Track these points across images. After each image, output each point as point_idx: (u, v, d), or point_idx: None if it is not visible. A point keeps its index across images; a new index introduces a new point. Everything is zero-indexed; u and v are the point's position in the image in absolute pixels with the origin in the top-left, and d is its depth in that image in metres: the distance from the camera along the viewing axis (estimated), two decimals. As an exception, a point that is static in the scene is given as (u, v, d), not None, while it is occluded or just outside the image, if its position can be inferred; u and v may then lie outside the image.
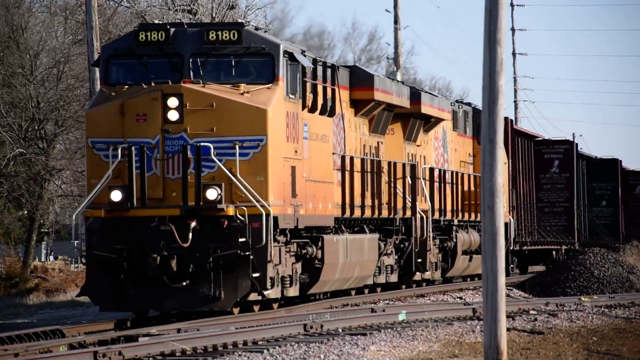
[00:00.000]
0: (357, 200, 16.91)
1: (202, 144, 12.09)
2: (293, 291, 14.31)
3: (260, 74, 13.08)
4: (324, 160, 15.36)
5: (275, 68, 12.94)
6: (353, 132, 17.53)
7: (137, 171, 12.02)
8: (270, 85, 12.92)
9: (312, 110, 14.52)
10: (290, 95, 13.57)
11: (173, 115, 12.17)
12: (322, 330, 10.99)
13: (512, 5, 59.32)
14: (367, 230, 17.68)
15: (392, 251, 18.82)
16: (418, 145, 20.85)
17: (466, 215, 22.87)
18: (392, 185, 18.48)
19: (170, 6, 26.74)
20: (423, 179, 20.34)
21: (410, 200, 19.18)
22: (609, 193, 33.07)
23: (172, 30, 12.86)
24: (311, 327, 10.81)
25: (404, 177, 19.00)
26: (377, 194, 17.82)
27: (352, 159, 16.77)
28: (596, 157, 36.33)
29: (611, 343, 11.17)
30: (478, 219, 22.68)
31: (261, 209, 11.94)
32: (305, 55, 14.39)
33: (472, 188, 23.05)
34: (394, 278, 19.15)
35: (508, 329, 8.57)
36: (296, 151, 13.98)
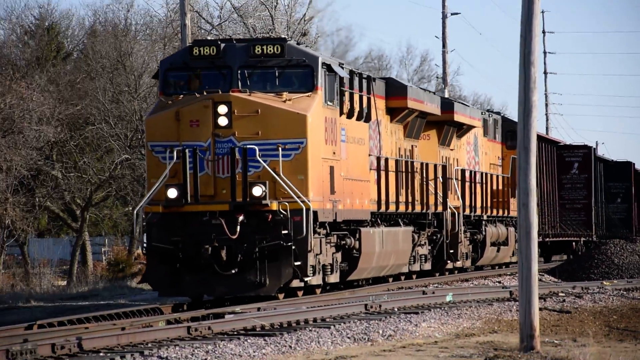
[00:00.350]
0: (392, 197, 17.90)
1: (248, 146, 12.97)
2: (334, 278, 15.27)
3: (301, 84, 13.99)
4: (360, 161, 16.36)
5: (315, 78, 13.85)
6: (389, 137, 18.71)
7: (190, 171, 12.92)
8: (310, 93, 13.81)
9: (350, 116, 15.45)
10: (328, 103, 14.52)
11: (222, 121, 13.10)
12: (380, 309, 11.94)
13: (543, 32, 64.11)
14: (401, 224, 18.70)
15: (425, 242, 20.09)
16: (452, 149, 22.33)
17: (494, 211, 24.44)
18: (425, 183, 19.70)
19: (252, 34, 29.10)
20: (455, 179, 21.88)
21: (442, 196, 20.49)
22: (623, 191, 36.52)
23: (223, 45, 13.83)
24: (371, 307, 11.86)
25: (435, 177, 20.29)
26: (411, 192, 18.99)
27: (387, 160, 17.72)
28: (612, 160, 39.77)
29: (629, 321, 12.19)
30: (506, 214, 25.04)
31: (301, 204, 12.78)
32: (342, 67, 15.31)
33: (500, 187, 24.93)
34: (427, 266, 20.51)
35: (540, 309, 9.23)
36: (334, 152, 14.89)
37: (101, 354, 7.18)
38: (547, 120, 69.60)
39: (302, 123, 13.32)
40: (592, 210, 32.56)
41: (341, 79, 14.85)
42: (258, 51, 13.71)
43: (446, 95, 30.19)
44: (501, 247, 24.84)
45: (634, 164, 38.13)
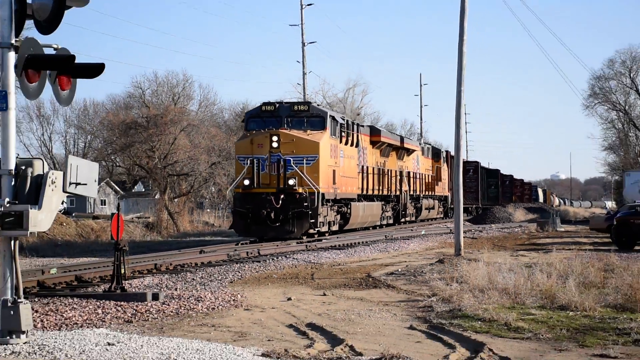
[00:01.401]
0: (370, 187, 28.14)
1: (287, 158, 21.30)
2: (335, 228, 24.71)
3: (317, 126, 22.76)
4: (351, 167, 25.80)
5: (324, 123, 22.83)
6: (371, 156, 29.14)
7: (256, 170, 21.21)
8: (322, 131, 22.62)
9: (345, 143, 24.91)
10: (332, 136, 23.29)
11: (274, 145, 21.39)
12: (392, 237, 24.64)
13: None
14: (375, 200, 29.41)
15: (389, 210, 32.21)
16: (404, 162, 35.14)
17: (427, 192, 40.53)
18: (389, 179, 31.80)
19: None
20: (406, 177, 34.75)
21: (399, 186, 33.16)
22: (494, 183, 63.02)
23: (277, 105, 23.13)
24: (387, 236, 24.76)
25: (395, 176, 32.79)
26: (383, 184, 30.44)
27: (367, 168, 27.93)
28: (489, 168, 66.92)
29: (502, 242, 24.54)
30: (433, 194, 41.73)
31: (314, 189, 21.03)
32: (342, 119, 25.19)
33: (430, 181, 41.26)
34: (391, 221, 32.98)
35: (464, 237, 18.64)
36: (335, 162, 23.66)
37: (269, 255, 16.80)
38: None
39: (316, 146, 21.92)
40: (479, 193, 56.07)
41: (341, 124, 24.34)
42: (296, 108, 23.03)
43: (423, 141, 48.11)
44: (431, 210, 40.73)
45: (499, 170, 66.07)
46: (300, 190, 20.92)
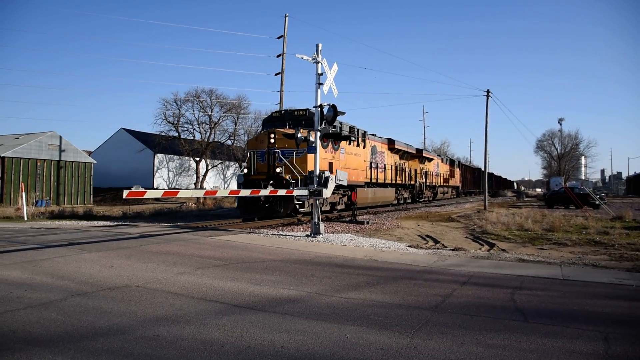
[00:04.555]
0: (382, 177, 34.07)
1: (277, 150, 23.01)
2: (340, 207, 27.39)
3: (312, 126, 21.44)
4: (357, 162, 29.04)
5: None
6: (389, 158, 36.43)
7: (255, 161, 23.71)
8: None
9: (349, 144, 27.73)
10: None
11: (271, 140, 23.12)
12: (457, 202, 42.58)
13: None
14: (388, 187, 35.87)
15: (407, 193, 41.37)
16: (425, 165, 46.57)
17: (444, 184, 56.16)
18: (407, 174, 40.93)
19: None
20: (425, 174, 46.60)
21: (415, 178, 43.31)
22: (489, 178, 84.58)
23: (284, 111, 26.16)
24: (458, 201, 41.53)
25: (415, 173, 43.33)
26: (399, 176, 38.58)
27: (384, 165, 34.76)
28: (484, 170, 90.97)
29: (502, 204, 38.56)
30: (446, 184, 57.18)
31: (298, 175, 22.19)
32: (343, 124, 27.14)
33: (446, 177, 57.47)
34: (409, 201, 42.42)
35: (487, 202, 31.94)
36: (333, 157, 25.54)
37: (411, 208, 28.36)
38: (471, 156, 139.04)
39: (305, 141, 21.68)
40: (481, 183, 76.16)
41: (337, 127, 25.10)
42: (296, 114, 25.48)
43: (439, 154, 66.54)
44: (445, 194, 57.63)
45: (493, 172, 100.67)
46: (287, 176, 22.56)
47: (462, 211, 33.37)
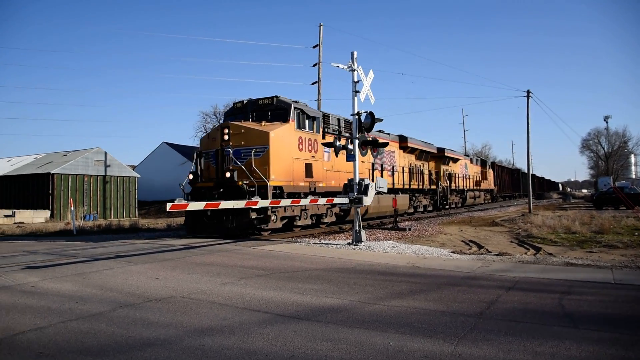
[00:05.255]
0: (387, 182, 26.55)
1: (228, 149, 18.96)
2: (329, 220, 22.99)
3: (281, 118, 20.32)
4: (349, 163, 21.91)
5: (288, 114, 20.23)
6: (402, 160, 32.25)
7: (204, 165, 20.10)
8: (284, 123, 19.90)
9: (338, 140, 19.57)
10: (301, 129, 20.56)
11: (225, 137, 19.21)
12: (501, 206, 41.16)
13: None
14: (400, 192, 30.65)
15: (427, 199, 36.65)
16: (449, 166, 42.52)
17: (474, 187, 51.48)
18: (426, 177, 36.48)
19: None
20: (450, 176, 42.10)
21: (436, 181, 39.06)
22: (524, 180, 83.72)
23: (247, 101, 21.29)
24: (501, 205, 40.91)
25: (439, 176, 39.70)
26: (416, 180, 34.11)
27: (394, 167, 30.32)
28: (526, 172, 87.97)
29: (547, 207, 37.31)
30: (477, 187, 52.31)
31: (265, 181, 18.22)
32: (326, 114, 23.06)
33: (477, 179, 53.64)
34: (430, 208, 37.72)
35: (532, 205, 31.33)
36: (313, 156, 21.16)
37: (452, 212, 27.83)
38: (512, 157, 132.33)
39: (266, 136, 18.79)
40: (521, 186, 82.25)
41: (317, 119, 21.75)
42: (261, 103, 20.94)
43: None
44: (476, 199, 51.98)
45: (535, 174, 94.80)
46: (242, 183, 18.31)
47: (506, 215, 32.71)
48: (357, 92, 17.04)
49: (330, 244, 16.91)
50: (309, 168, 20.93)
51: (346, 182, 17.76)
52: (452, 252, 15.25)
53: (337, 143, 17.51)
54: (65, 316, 7.40)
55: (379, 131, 29.48)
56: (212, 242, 17.56)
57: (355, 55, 17.30)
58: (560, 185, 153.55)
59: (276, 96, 20.79)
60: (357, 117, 16.97)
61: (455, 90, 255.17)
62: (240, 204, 13.79)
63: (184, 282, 9.97)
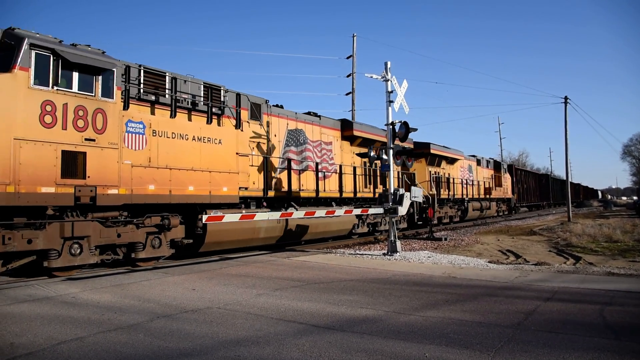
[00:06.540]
0: (307, 186, 20.29)
1: None
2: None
3: (3, 62, 11.65)
4: (230, 159, 15.79)
5: (15, 57, 11.47)
6: (348, 156, 23.30)
7: None
8: (7, 74, 11.30)
9: (172, 115, 14.39)
10: (56, 87, 11.90)
11: None
12: (539, 214, 38.83)
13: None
14: (334, 204, 21.48)
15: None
16: (443, 169, 33.77)
17: (479, 196, 40.26)
18: (403, 182, 26.68)
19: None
20: (442, 182, 32.86)
21: (372, 185, 24.94)
22: (558, 187, 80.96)
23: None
24: (539, 214, 38.87)
25: (403, 179, 27.06)
26: (361, 185, 23.89)
27: (302, 162, 20.01)
28: (561, 179, 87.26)
29: (588, 215, 36.67)
30: (489, 196, 41.85)
31: None
32: (160, 72, 14.61)
33: (488, 186, 42.75)
34: (405, 225, 26.65)
35: (571, 213, 31.07)
36: (95, 140, 12.36)
37: (490, 222, 27.17)
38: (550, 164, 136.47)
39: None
40: (550, 194, 74.16)
41: (109, 72, 12.82)
42: None
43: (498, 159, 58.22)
44: (486, 211, 40.50)
45: (561, 179, 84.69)
46: None
47: (545, 224, 32.35)
48: (391, 102, 17.03)
49: (366, 254, 16.87)
50: (74, 159, 12.22)
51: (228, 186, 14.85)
52: (488, 261, 15.02)
53: (372, 154, 17.46)
54: (105, 326, 7.57)
55: (310, 113, 21.61)
56: (247, 254, 17.71)
57: (389, 65, 17.31)
58: (599, 193, 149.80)
59: (10, 28, 12.18)
60: (391, 126, 16.94)
61: (490, 96, 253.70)
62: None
63: (220, 294, 10.07)
